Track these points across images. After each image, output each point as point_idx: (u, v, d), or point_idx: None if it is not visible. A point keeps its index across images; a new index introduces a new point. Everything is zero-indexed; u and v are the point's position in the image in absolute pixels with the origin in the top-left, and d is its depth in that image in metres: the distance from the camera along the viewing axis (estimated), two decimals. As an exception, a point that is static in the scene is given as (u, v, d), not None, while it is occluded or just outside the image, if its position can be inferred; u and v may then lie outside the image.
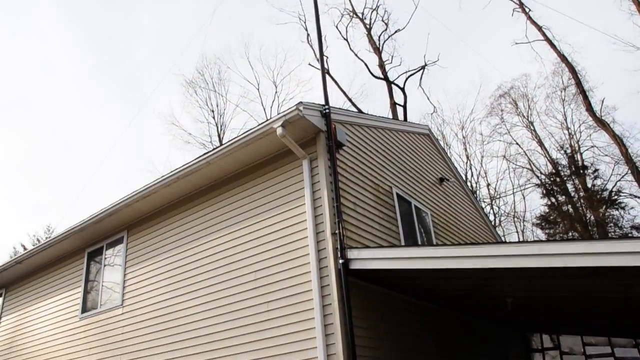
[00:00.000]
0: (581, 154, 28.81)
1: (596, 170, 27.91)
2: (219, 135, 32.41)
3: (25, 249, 35.03)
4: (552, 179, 29.56)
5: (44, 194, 55.47)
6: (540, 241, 6.12)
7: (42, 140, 57.44)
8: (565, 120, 30.04)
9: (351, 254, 6.68)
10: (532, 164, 30.58)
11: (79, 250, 10.96)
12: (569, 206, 28.54)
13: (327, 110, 7.58)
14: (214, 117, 33.29)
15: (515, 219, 30.53)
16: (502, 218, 30.32)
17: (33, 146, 57.83)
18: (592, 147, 28.11)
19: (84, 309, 10.32)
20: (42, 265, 11.83)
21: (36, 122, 57.37)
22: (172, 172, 8.48)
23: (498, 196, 30.82)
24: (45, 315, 11.28)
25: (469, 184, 29.03)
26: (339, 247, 6.73)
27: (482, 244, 6.16)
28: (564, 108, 30.22)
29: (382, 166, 9.15)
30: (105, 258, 10.31)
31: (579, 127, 29.44)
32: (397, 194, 9.26)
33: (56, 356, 10.46)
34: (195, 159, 8.18)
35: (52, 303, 11.21)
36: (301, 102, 7.10)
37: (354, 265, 6.63)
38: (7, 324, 12.48)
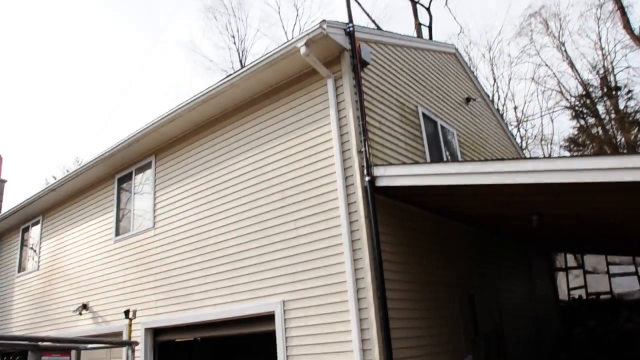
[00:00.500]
0: (614, 75, 27.79)
1: (630, 91, 26.95)
2: (240, 61, 32.02)
3: (56, 179, 35.86)
4: (582, 100, 28.74)
5: (70, 127, 56.32)
6: (568, 157, 6.00)
7: (64, 73, 57.67)
8: (599, 39, 28.77)
9: (377, 171, 6.70)
10: (561, 86, 29.69)
11: (109, 176, 11.20)
12: (599, 128, 27.87)
13: (351, 29, 7.38)
14: (234, 43, 32.76)
15: (543, 142, 30.00)
16: (529, 141, 29.81)
17: (56, 80, 58.19)
18: (627, 67, 27.04)
19: (118, 232, 10.68)
20: (74, 192, 12.15)
21: (55, 56, 57.43)
22: (196, 95, 8.46)
23: (525, 119, 30.20)
24: (81, 239, 11.71)
25: (495, 106, 28.47)
26: (365, 164, 6.74)
27: (509, 159, 6.15)
28: (598, 27, 28.89)
29: (407, 85, 8.99)
30: (135, 183, 10.54)
31: (614, 46, 28.22)
32: (422, 113, 9.13)
33: (94, 277, 10.96)
34: (219, 82, 8.13)
35: (87, 228, 11.60)
36: (324, 21, 6.91)
37: (380, 183, 6.65)
38: (47, 249, 13.02)
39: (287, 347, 7.01)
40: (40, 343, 4.20)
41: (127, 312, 8.99)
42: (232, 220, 8.16)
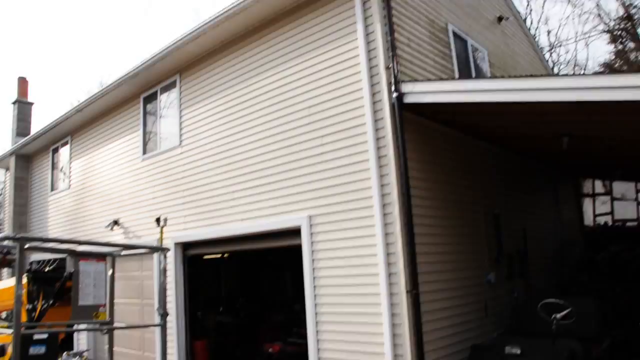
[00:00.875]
0: (661, -4, 26.33)
1: (675, 12, 25.58)
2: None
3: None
4: (621, 23, 27.44)
5: (95, 50, 56.15)
6: (604, 73, 5.78)
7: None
8: (642, -43, 27.07)
9: (405, 87, 6.57)
10: (600, 9, 28.34)
11: (135, 96, 11.22)
12: (639, 53, 26.74)
13: (379, -63, 7.03)
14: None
15: (576, 67, 29.01)
16: (562, 67, 28.83)
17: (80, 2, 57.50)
18: (672, -13, 25.58)
19: (145, 151, 10.83)
20: (101, 112, 12.25)
21: (79, -23, 56.41)
22: (220, 12, 8.28)
23: (559, 44, 29.11)
24: (110, 158, 11.94)
25: (528, 29, 27.37)
26: (392, 81, 6.62)
27: (542, 76, 5.94)
28: (641, -58, 27.09)
29: (437, 1, 8.65)
30: (161, 102, 10.56)
31: (658, -36, 26.57)
32: (452, 31, 8.84)
33: (123, 194, 11.24)
34: (243, -4, 7.93)
35: (115, 147, 11.79)
36: None
37: (408, 99, 6.54)
38: (76, 168, 13.32)
39: (313, 260, 7.19)
40: (77, 249, 4.36)
41: (157, 220, 9.22)
42: (259, 137, 8.18)
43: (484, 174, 9.05)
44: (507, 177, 10.05)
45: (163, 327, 4.28)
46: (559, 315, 6.55)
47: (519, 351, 6.32)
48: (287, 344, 9.36)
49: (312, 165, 7.33)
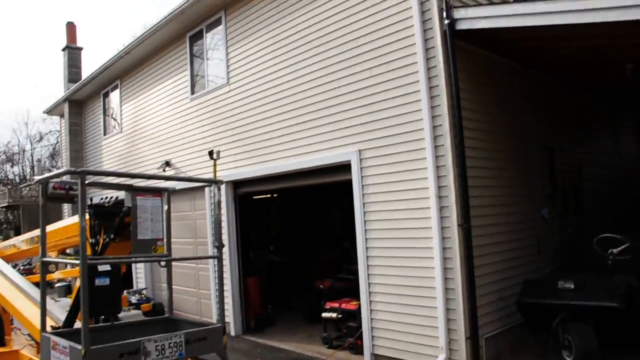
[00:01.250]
0: None
1: None
2: None
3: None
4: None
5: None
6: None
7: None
8: None
9: (458, 13, 6.26)
10: None
11: (181, 35, 11.18)
12: None
13: None
14: None
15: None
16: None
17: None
18: None
19: (193, 91, 10.90)
20: (148, 54, 12.30)
21: None
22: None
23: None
24: (159, 100, 12.08)
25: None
26: (444, 7, 6.32)
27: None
28: None
29: None
30: (206, 41, 10.51)
31: None
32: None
33: (174, 135, 11.43)
34: None
35: (164, 88, 11.89)
36: None
37: (461, 26, 6.25)
38: (127, 111, 13.58)
39: (363, 195, 7.18)
40: (134, 184, 4.46)
41: (210, 153, 9.25)
42: (306, 71, 8.07)
43: (538, 105, 8.70)
44: (563, 109, 9.64)
45: (219, 258, 4.37)
46: (615, 251, 6.32)
47: (572, 286, 6.20)
48: (337, 280, 9.52)
49: (361, 98, 7.20)
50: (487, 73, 7.36)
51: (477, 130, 6.80)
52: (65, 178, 4.76)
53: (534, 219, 8.10)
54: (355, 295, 7.71)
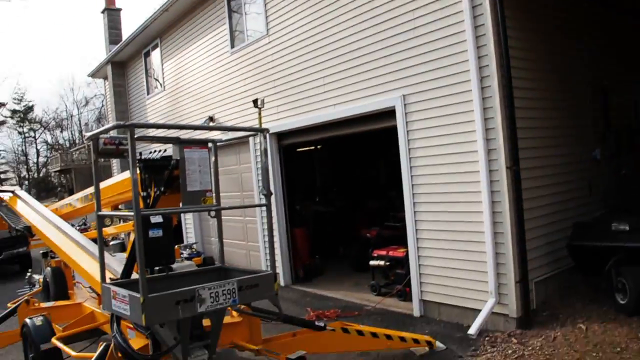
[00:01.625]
0: None
1: None
2: None
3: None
4: None
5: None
6: None
7: None
8: None
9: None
10: None
11: (220, -10, 11.10)
12: None
13: None
14: None
15: None
16: None
17: None
18: None
19: (233, 44, 10.86)
20: (187, 10, 12.26)
21: None
22: None
23: None
24: (199, 56, 12.11)
25: None
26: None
27: None
28: None
29: None
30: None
31: None
32: None
33: (216, 90, 11.49)
34: None
35: (203, 44, 11.89)
36: None
37: (507, -41, 5.95)
38: (169, 69, 13.69)
39: (408, 140, 7.08)
40: (181, 137, 4.52)
41: (255, 101, 9.19)
42: (346, 17, 7.90)
43: (591, 41, 8.29)
44: (618, 45, 9.16)
45: (268, 207, 4.42)
46: (673, 192, 6.10)
47: (627, 227, 6.01)
48: (383, 228, 9.57)
49: (403, 42, 7.01)
50: (536, 7, 7.01)
51: (526, 69, 6.55)
52: (114, 134, 4.87)
53: (585, 160, 7.86)
54: (402, 243, 7.73)
